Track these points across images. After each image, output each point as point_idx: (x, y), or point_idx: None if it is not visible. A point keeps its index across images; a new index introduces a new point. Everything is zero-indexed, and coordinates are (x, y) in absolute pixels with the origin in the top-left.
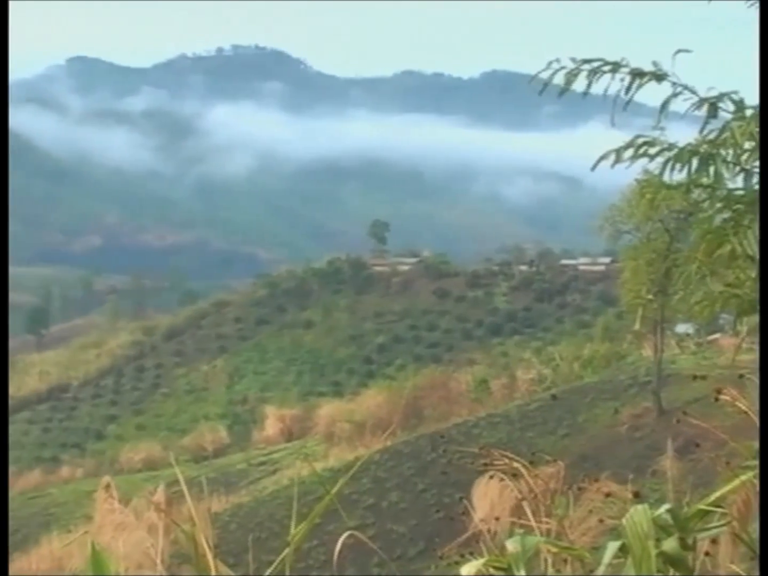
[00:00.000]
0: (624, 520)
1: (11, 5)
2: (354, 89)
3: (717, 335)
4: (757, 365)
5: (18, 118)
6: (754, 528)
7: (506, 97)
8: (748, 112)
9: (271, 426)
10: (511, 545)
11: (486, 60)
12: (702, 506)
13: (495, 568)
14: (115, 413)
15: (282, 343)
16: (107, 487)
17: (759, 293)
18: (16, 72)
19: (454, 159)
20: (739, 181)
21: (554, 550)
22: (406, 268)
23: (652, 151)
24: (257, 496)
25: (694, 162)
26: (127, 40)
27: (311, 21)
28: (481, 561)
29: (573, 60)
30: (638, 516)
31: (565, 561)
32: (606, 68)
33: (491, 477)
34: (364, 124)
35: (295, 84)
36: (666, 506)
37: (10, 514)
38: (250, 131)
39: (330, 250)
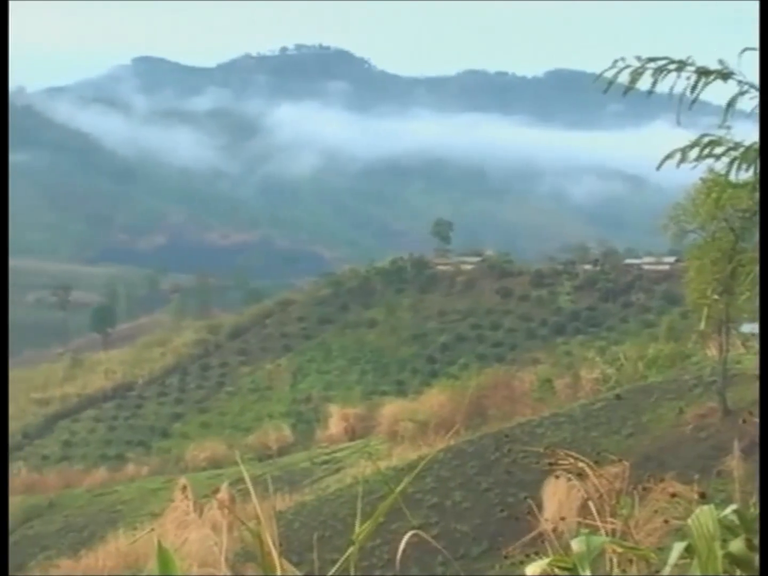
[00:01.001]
0: (690, 521)
1: (81, 6)
2: (417, 88)
3: None
4: None
5: (84, 118)
6: None
7: (570, 95)
8: None
9: (335, 425)
10: (577, 545)
11: (550, 58)
12: None
13: (560, 567)
14: (180, 411)
15: (345, 342)
16: (184, 488)
17: (759, 294)
18: (82, 72)
19: (517, 158)
20: None
21: (619, 550)
22: (469, 267)
23: (718, 150)
24: (321, 494)
25: None
26: (191, 40)
27: (375, 20)
28: (546, 561)
29: (638, 58)
30: (704, 517)
31: (631, 561)
32: (671, 67)
33: (557, 477)
34: (428, 123)
35: (359, 83)
36: (732, 507)
37: (79, 511)
38: (314, 131)
39: (393, 249)
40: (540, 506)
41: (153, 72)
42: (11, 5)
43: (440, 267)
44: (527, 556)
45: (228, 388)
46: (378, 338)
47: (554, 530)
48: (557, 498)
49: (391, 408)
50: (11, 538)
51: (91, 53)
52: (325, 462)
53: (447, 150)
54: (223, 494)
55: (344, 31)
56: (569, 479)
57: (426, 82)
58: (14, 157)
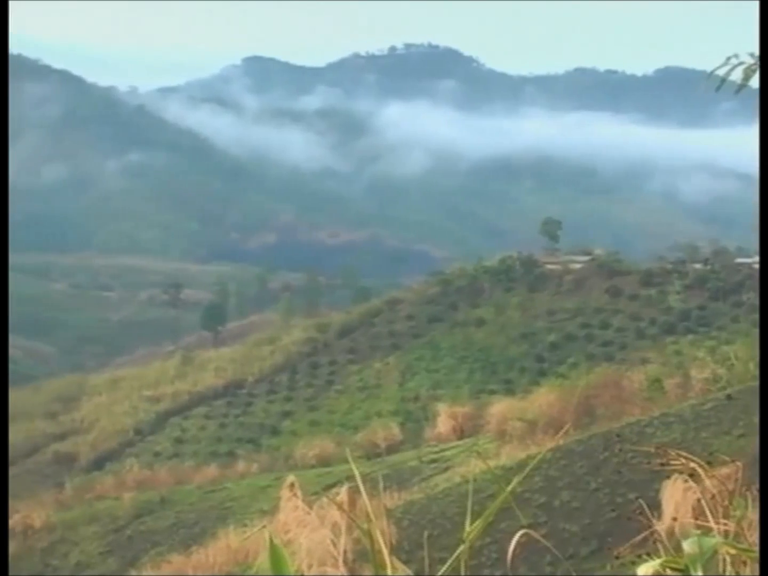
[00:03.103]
0: None
1: (192, 6)
2: (527, 87)
3: None
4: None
5: (196, 118)
6: None
7: (681, 93)
8: None
9: (443, 423)
10: (689, 546)
11: (660, 56)
12: None
13: (672, 569)
14: (290, 409)
15: (454, 340)
16: (291, 485)
17: (759, 293)
18: (193, 72)
19: (628, 156)
20: None
21: (732, 551)
22: (578, 266)
23: None
24: (429, 493)
25: None
26: (301, 39)
27: (483, 19)
28: (658, 561)
29: (751, 55)
30: None
31: (744, 563)
32: None
33: (668, 477)
34: (537, 122)
35: (468, 82)
36: None
37: (190, 507)
38: (423, 129)
39: (502, 247)
40: (651, 506)
41: (263, 71)
42: (129, 7)
43: (549, 266)
44: (639, 556)
45: (337, 387)
46: (486, 337)
47: (665, 531)
48: (674, 499)
49: (499, 407)
50: (125, 533)
51: (202, 53)
52: (434, 460)
53: (556, 148)
54: (343, 494)
55: (453, 29)
56: (686, 480)
57: (535, 80)
58: (127, 157)
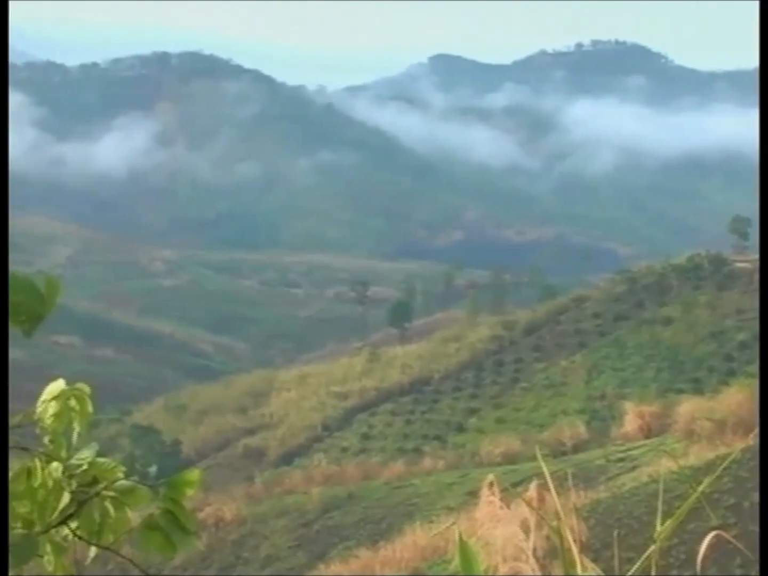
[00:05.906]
0: None
1: (380, 6)
2: (717, 82)
3: None
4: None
5: (383, 116)
6: None
7: None
8: None
9: (630, 422)
10: None
11: None
12: None
13: None
14: (476, 406)
15: (641, 339)
16: (491, 485)
17: (759, 293)
18: (380, 71)
19: None
20: None
21: None
22: None
23: None
24: (615, 492)
25: None
26: (487, 37)
27: (671, 15)
28: None
29: None
30: None
31: None
32: None
33: None
34: (728, 118)
35: (657, 78)
36: None
37: (377, 503)
38: (611, 126)
39: (690, 245)
40: None
41: (449, 70)
42: (317, 7)
43: (738, 264)
44: None
45: (522, 384)
46: (674, 336)
47: None
48: None
49: (687, 406)
50: (313, 527)
51: (389, 52)
52: (620, 459)
53: (747, 145)
54: (532, 491)
55: (640, 26)
56: None
57: (725, 76)
58: (316, 155)
